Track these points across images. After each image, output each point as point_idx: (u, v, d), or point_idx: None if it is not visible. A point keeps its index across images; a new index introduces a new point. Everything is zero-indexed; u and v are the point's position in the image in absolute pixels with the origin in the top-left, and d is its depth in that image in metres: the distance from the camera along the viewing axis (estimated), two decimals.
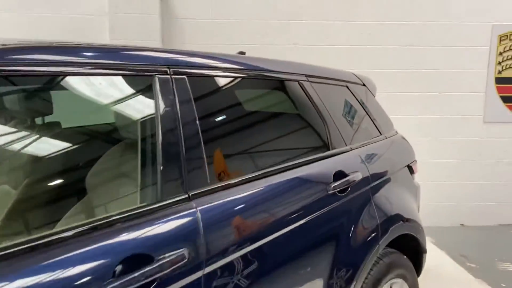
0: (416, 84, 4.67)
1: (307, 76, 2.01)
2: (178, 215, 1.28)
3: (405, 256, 2.27)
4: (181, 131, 1.38)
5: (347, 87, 2.31)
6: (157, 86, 1.38)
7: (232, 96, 1.67)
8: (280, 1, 4.52)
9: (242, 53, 2.41)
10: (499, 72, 4.76)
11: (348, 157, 2.03)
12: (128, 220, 1.19)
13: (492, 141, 4.83)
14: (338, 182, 1.83)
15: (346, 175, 1.90)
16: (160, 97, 1.37)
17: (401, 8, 4.57)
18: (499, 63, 4.75)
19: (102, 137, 1.74)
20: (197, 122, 1.44)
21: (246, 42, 4.50)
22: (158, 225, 1.23)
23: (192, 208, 1.32)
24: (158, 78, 1.40)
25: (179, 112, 1.39)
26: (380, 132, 2.42)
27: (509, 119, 4.81)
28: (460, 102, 4.75)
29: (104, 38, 4.35)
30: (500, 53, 4.74)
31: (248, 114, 1.72)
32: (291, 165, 1.72)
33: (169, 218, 1.27)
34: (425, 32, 4.60)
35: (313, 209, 1.70)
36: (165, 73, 1.42)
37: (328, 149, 1.97)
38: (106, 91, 1.38)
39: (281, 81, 1.90)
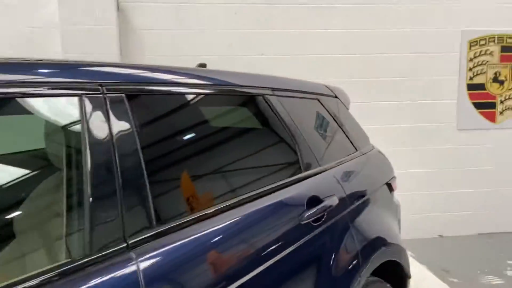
0: (388, 92, 4.54)
1: (273, 89, 1.77)
2: (112, 270, 1.01)
3: (388, 285, 2.05)
4: (117, 162, 1.11)
5: (319, 100, 2.08)
6: (86, 108, 1.11)
7: (185, 116, 1.41)
8: (247, 10, 4.31)
9: (203, 65, 2.16)
10: (470, 79, 4.68)
11: (322, 179, 1.80)
12: (46, 283, 0.91)
13: (467, 149, 4.73)
14: (312, 210, 1.59)
15: (321, 201, 1.67)
16: (89, 120, 1.11)
17: (371, 16, 4.44)
18: (470, 69, 4.68)
19: (24, 171, 1.45)
20: (139, 150, 1.17)
21: (211, 53, 4.26)
22: (86, 285, 0.95)
23: (132, 260, 1.05)
24: (88, 97, 1.13)
25: (114, 138, 1.13)
26: (355, 148, 2.20)
27: (483, 125, 4.73)
28: (432, 110, 4.64)
29: (56, 52, 4.03)
30: (471, 59, 4.67)
31: (204, 136, 1.46)
32: (256, 194, 1.47)
33: (101, 275, 0.99)
34: (394, 39, 4.49)
35: (285, 244, 1.45)
36: (97, 91, 1.15)
37: (300, 171, 1.73)
38: (26, 114, 1.10)
39: (244, 96, 1.65)
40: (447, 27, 4.55)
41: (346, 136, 2.16)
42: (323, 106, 2.08)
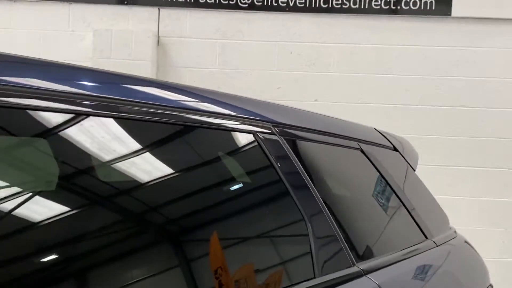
0: (475, 156, 3.64)
1: (275, 125, 1.03)
2: None
3: None
4: None
5: (362, 150, 1.28)
6: None
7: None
8: (300, 49, 3.77)
9: None
10: None
11: None
12: None
13: None
14: None
15: None
16: None
17: (450, 60, 3.64)
18: None
19: None
20: None
21: (256, 95, 3.66)
22: None
23: None
24: None
25: None
26: (425, 235, 1.34)
27: None
28: None
29: None
30: None
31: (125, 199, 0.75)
32: None
33: None
34: (488, 90, 3.64)
35: None
36: None
37: (311, 273, 0.94)
38: None
39: (215, 129, 0.93)
40: None
41: (409, 213, 1.31)
42: (370, 161, 1.27)
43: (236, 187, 0.98)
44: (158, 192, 0.83)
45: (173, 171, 0.89)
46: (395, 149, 1.48)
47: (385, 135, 1.50)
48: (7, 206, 0.61)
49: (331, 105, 3.68)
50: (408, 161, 1.50)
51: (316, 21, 3.72)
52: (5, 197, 0.62)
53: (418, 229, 1.32)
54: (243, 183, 0.96)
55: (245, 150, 0.99)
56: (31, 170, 0.69)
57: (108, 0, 3.73)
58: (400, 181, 1.37)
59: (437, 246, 1.35)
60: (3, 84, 0.64)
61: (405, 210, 1.31)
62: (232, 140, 0.97)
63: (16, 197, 0.63)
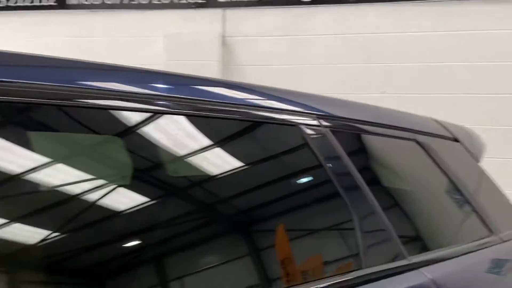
0: None
1: (320, 117, 1.03)
2: None
3: None
4: None
5: (417, 141, 1.24)
6: None
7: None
8: (366, 41, 3.65)
9: None
10: None
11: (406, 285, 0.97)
12: None
13: None
14: None
15: None
16: None
17: None
18: None
19: None
20: None
21: (321, 90, 3.64)
22: None
23: None
24: None
25: None
26: (490, 229, 1.27)
27: None
28: None
29: None
30: None
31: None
32: None
33: None
34: None
35: None
36: None
37: (358, 265, 0.94)
38: None
39: (257, 122, 0.96)
40: None
41: (471, 206, 1.25)
42: (427, 152, 1.22)
43: (280, 180, 1.00)
44: (213, 186, 0.88)
45: (229, 166, 0.93)
46: (456, 140, 1.41)
47: (445, 125, 1.44)
48: (88, 197, 0.70)
49: (399, 97, 3.53)
50: (471, 152, 1.41)
51: (380, 11, 3.59)
52: (87, 190, 0.70)
53: (481, 223, 1.25)
54: (287, 175, 0.98)
55: (289, 142, 1.01)
56: (108, 165, 0.77)
57: (176, 5, 3.91)
58: (461, 172, 1.30)
59: (504, 241, 1.27)
60: (86, 88, 0.74)
61: (466, 203, 1.25)
62: (276, 132, 1.00)
63: (96, 190, 0.71)
